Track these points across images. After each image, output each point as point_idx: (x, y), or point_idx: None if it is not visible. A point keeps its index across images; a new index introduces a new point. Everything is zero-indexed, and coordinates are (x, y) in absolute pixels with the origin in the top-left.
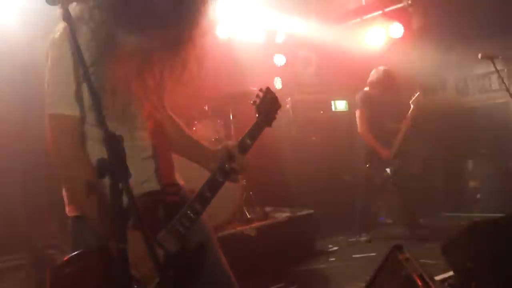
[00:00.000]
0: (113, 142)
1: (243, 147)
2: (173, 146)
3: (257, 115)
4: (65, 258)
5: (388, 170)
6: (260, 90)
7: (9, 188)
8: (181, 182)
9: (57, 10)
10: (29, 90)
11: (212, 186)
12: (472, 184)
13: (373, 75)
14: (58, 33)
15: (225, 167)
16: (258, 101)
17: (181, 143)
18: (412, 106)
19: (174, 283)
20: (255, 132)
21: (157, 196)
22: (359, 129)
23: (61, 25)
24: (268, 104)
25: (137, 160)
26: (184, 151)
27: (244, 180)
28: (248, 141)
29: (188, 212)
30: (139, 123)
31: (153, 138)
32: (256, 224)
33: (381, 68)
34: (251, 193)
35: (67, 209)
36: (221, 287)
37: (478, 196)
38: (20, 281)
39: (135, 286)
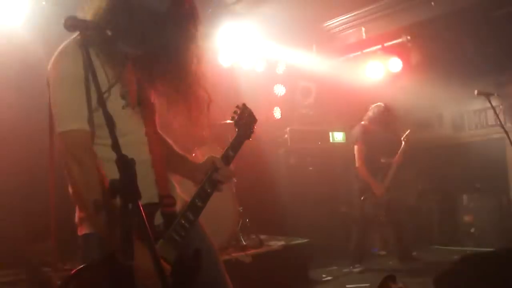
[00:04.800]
0: (125, 165)
1: (226, 159)
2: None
3: (236, 130)
4: (72, 272)
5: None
6: (237, 107)
7: (8, 204)
8: (182, 194)
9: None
10: (37, 103)
11: (202, 196)
12: (466, 218)
13: (372, 110)
14: (62, 51)
15: (212, 178)
16: (236, 117)
17: (170, 159)
18: (403, 143)
19: None
20: (236, 145)
21: (155, 207)
22: (357, 163)
23: (64, 44)
24: (246, 119)
25: (139, 173)
26: (173, 166)
27: (241, 207)
28: (231, 153)
29: (182, 221)
30: (140, 137)
31: (151, 152)
32: (251, 251)
33: (381, 104)
34: (247, 220)
35: (78, 228)
36: None
37: (472, 230)
38: None
39: None
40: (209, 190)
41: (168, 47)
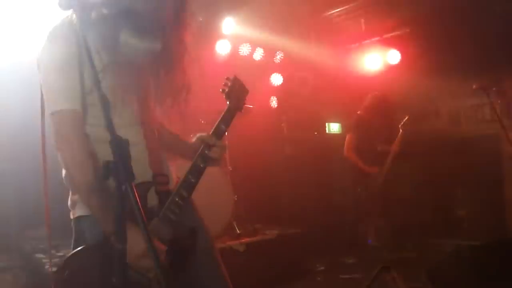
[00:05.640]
0: (119, 145)
1: (218, 133)
2: (161, 144)
3: (227, 102)
4: (67, 257)
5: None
6: (227, 78)
7: (0, 191)
8: (173, 173)
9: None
10: (29, 92)
11: (195, 172)
12: (459, 212)
13: (368, 99)
14: (53, 31)
15: (204, 153)
16: (227, 89)
17: (164, 139)
18: (401, 130)
19: (171, 269)
20: (228, 118)
21: (148, 186)
22: (344, 152)
23: (56, 22)
24: (237, 91)
25: (133, 154)
26: (167, 146)
27: (236, 196)
28: (223, 127)
29: (176, 199)
30: (135, 119)
31: (145, 133)
32: (245, 240)
33: (377, 93)
34: (242, 209)
35: (71, 212)
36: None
37: (465, 224)
38: (7, 283)
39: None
40: (201, 165)
41: (161, 35)
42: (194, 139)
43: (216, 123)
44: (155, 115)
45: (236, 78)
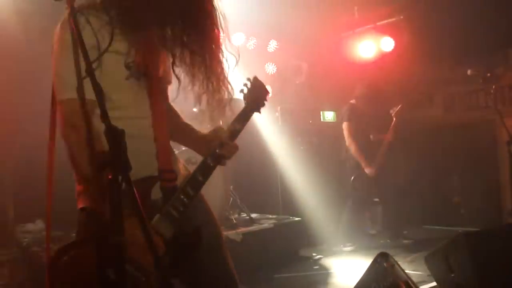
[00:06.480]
0: (114, 136)
1: (232, 133)
2: (171, 133)
3: (245, 103)
4: (62, 246)
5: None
6: (248, 79)
7: None
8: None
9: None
10: (25, 86)
11: (204, 171)
12: (456, 199)
13: (359, 88)
14: (63, 20)
15: (216, 152)
16: (245, 90)
17: (177, 130)
18: (394, 118)
19: (172, 266)
20: (242, 119)
21: (153, 181)
22: (347, 141)
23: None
24: (256, 92)
25: (139, 145)
26: (178, 136)
27: (231, 186)
28: (238, 127)
29: (181, 196)
30: (143, 111)
31: (154, 126)
32: (242, 230)
33: (368, 82)
34: (238, 198)
35: (77, 202)
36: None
37: (462, 211)
38: (4, 277)
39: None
40: (211, 164)
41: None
42: (209, 134)
43: (231, 123)
44: (168, 107)
45: (256, 78)
